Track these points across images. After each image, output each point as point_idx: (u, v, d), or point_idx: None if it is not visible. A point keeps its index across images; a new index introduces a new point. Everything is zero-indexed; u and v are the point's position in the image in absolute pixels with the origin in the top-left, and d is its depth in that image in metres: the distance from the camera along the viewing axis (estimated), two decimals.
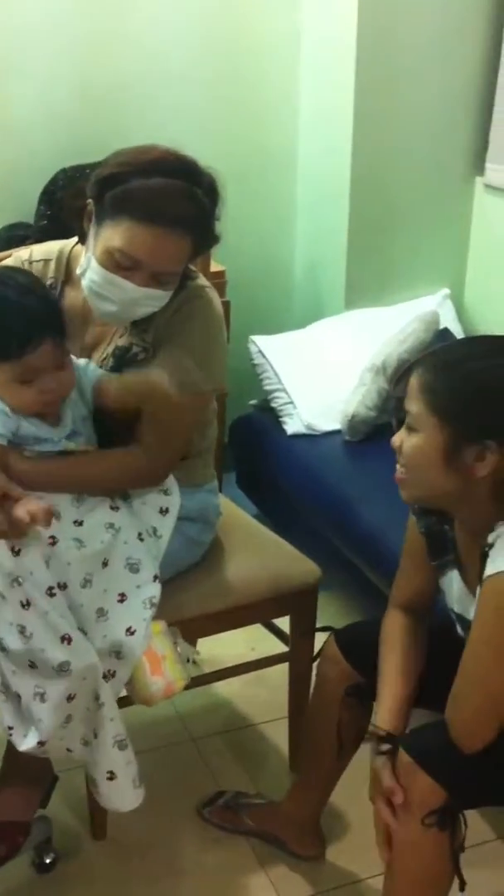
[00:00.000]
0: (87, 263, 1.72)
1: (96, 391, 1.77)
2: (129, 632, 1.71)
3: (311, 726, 1.88)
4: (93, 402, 1.77)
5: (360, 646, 1.75)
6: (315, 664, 1.90)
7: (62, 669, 1.62)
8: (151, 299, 1.71)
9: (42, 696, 1.63)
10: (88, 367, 1.78)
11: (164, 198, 1.64)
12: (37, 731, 1.65)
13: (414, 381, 1.51)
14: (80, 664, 1.63)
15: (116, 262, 1.66)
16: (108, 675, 1.69)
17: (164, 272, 1.69)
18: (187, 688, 1.78)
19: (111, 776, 1.71)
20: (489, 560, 1.45)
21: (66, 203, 2.68)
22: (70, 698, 1.64)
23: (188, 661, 1.80)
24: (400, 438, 1.53)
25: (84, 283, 1.73)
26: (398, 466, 1.54)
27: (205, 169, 1.71)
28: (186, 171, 1.68)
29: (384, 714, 1.63)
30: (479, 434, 1.45)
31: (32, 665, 1.62)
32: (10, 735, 1.68)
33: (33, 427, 1.70)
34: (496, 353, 1.49)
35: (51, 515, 1.62)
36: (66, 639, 1.62)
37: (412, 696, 1.66)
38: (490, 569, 1.44)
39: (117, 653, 1.70)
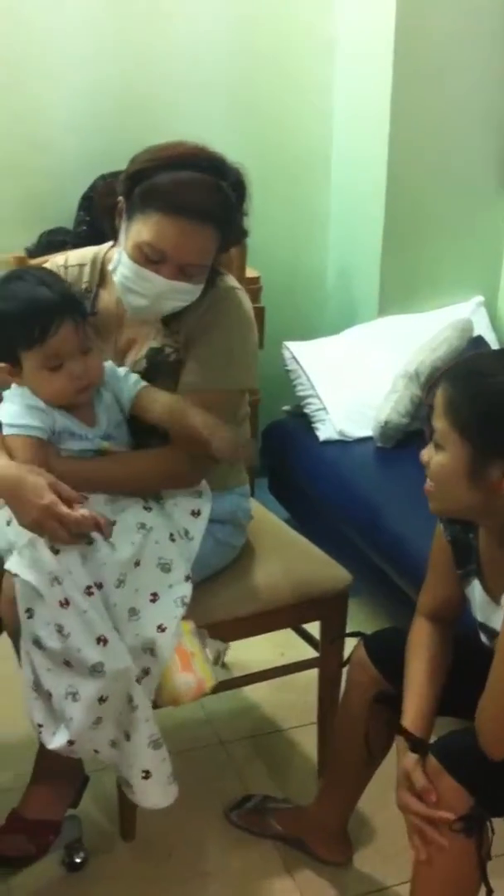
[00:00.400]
0: (119, 259, 1.75)
1: (136, 405, 1.79)
2: (161, 629, 1.72)
3: (340, 732, 1.88)
4: (129, 412, 1.80)
5: (389, 653, 1.75)
6: (344, 669, 1.91)
7: (96, 670, 1.63)
8: (180, 293, 1.73)
9: (74, 696, 1.65)
10: (129, 377, 1.80)
11: (190, 190, 1.67)
12: (67, 729, 1.66)
13: (439, 396, 1.51)
14: (114, 667, 1.64)
15: (146, 256, 1.70)
16: (142, 675, 1.71)
17: (191, 264, 1.71)
18: (215, 691, 1.80)
19: (146, 775, 1.73)
20: None
21: (99, 202, 2.73)
22: (102, 700, 1.66)
23: (219, 660, 1.81)
24: (428, 454, 1.53)
25: (116, 278, 1.76)
26: (427, 480, 1.55)
27: (231, 164, 1.74)
28: (213, 165, 1.71)
29: (409, 720, 1.63)
30: (503, 452, 1.45)
31: (68, 664, 1.65)
32: (40, 733, 1.70)
33: (69, 422, 1.73)
34: None
35: (111, 528, 1.66)
36: (101, 640, 1.64)
37: (437, 703, 1.65)
38: None
39: (151, 650, 1.71)
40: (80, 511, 1.63)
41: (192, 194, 1.67)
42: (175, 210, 1.66)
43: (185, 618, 1.76)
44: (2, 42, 2.78)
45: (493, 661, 1.48)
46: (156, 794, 1.76)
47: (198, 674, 1.74)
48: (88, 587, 1.65)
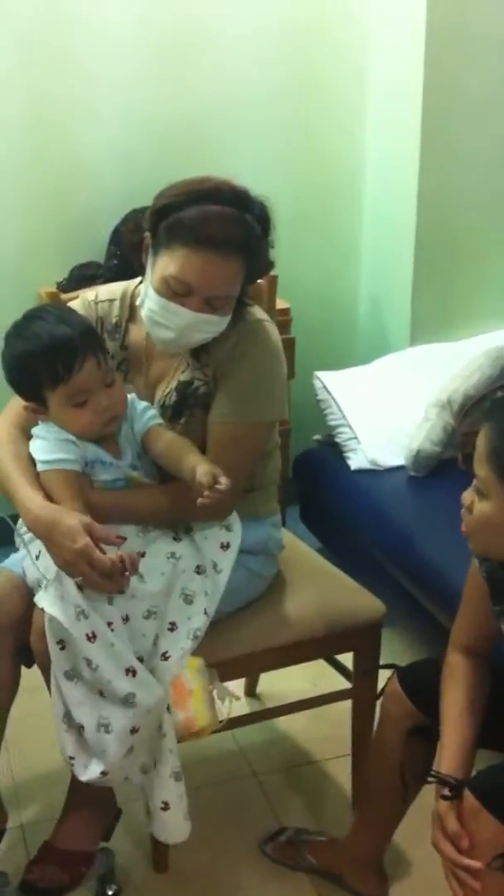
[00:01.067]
0: (145, 293, 1.77)
1: (144, 439, 1.81)
2: (164, 657, 1.73)
3: (374, 765, 1.86)
4: (140, 445, 1.82)
5: (424, 685, 1.72)
6: (378, 701, 1.89)
7: (128, 701, 1.64)
8: (207, 324, 1.74)
9: (107, 728, 1.65)
10: (147, 412, 1.82)
11: (214, 223, 1.69)
12: (100, 761, 1.66)
13: (482, 441, 1.46)
14: (147, 699, 1.65)
15: (172, 290, 1.71)
16: (170, 707, 1.71)
17: (217, 296, 1.73)
18: (244, 722, 1.79)
19: (165, 807, 1.73)
20: None
21: (125, 238, 2.77)
22: (134, 731, 1.66)
23: (225, 702, 1.78)
24: (470, 498, 1.49)
25: (143, 312, 1.78)
26: (464, 521, 1.51)
27: (255, 197, 1.76)
28: (237, 198, 1.73)
29: (448, 758, 1.60)
30: None
31: (101, 694, 1.65)
32: (72, 765, 1.70)
33: (99, 452, 1.75)
34: None
35: (137, 562, 1.67)
36: (130, 671, 1.64)
37: (476, 739, 1.63)
38: None
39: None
40: (111, 556, 1.63)
41: (216, 226, 1.69)
42: (200, 243, 1.68)
43: (200, 652, 1.76)
44: (39, 73, 2.82)
45: None
46: (171, 827, 1.76)
47: (189, 711, 1.71)
48: (110, 623, 1.66)
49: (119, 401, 1.76)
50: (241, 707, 1.84)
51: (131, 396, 1.83)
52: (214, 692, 1.77)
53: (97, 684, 1.64)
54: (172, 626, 1.75)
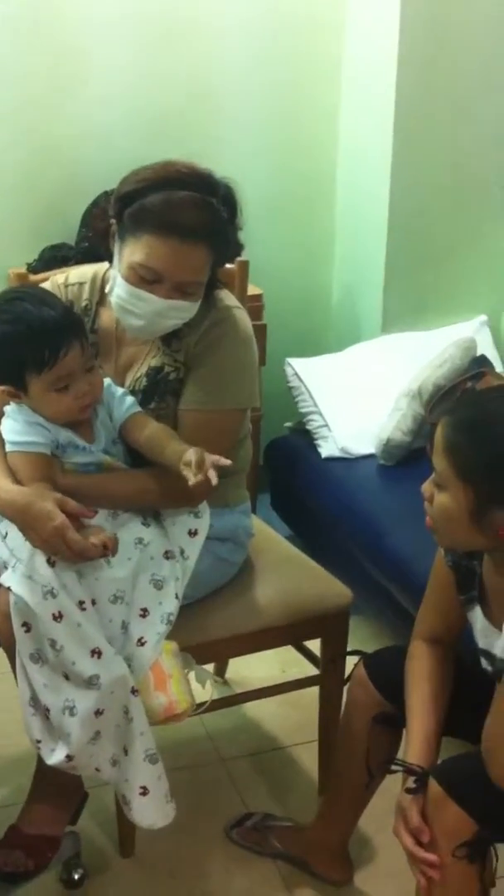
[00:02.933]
0: (114, 281, 1.76)
1: (124, 427, 1.80)
2: (140, 642, 1.72)
3: (340, 752, 1.87)
4: (119, 433, 1.81)
5: (389, 672, 1.73)
6: (345, 688, 1.90)
7: (92, 683, 1.63)
8: (177, 311, 1.74)
9: (71, 710, 1.64)
10: (125, 399, 1.81)
11: (179, 209, 1.68)
12: (65, 744, 1.66)
13: (439, 434, 1.47)
14: (109, 677, 1.64)
15: (140, 277, 1.71)
16: (136, 690, 1.71)
17: (186, 282, 1.72)
18: (210, 710, 1.79)
19: (144, 791, 1.72)
20: None
21: (93, 225, 2.75)
22: (98, 713, 1.66)
23: (206, 684, 1.79)
24: (430, 490, 1.50)
25: (112, 299, 1.77)
26: (427, 514, 1.52)
27: (220, 179, 1.75)
28: (202, 182, 1.71)
29: (414, 747, 1.61)
30: None
31: (66, 677, 1.65)
32: (39, 748, 1.70)
33: (71, 436, 1.74)
34: None
35: (117, 544, 1.67)
36: (96, 652, 1.64)
37: (441, 728, 1.64)
38: None
39: (128, 664, 1.71)
40: (92, 540, 1.64)
41: (182, 213, 1.67)
42: (166, 230, 1.67)
43: (170, 638, 1.75)
44: (16, 56, 2.80)
45: (496, 691, 1.47)
46: (154, 812, 1.75)
47: (171, 695, 1.72)
48: (82, 602, 1.65)
49: (98, 387, 1.75)
50: (210, 692, 1.84)
51: (108, 381, 1.81)
52: (192, 675, 1.78)
53: (61, 667, 1.64)
54: (144, 613, 1.75)
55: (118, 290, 1.75)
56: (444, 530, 1.51)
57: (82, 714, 1.64)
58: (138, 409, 1.81)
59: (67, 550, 1.63)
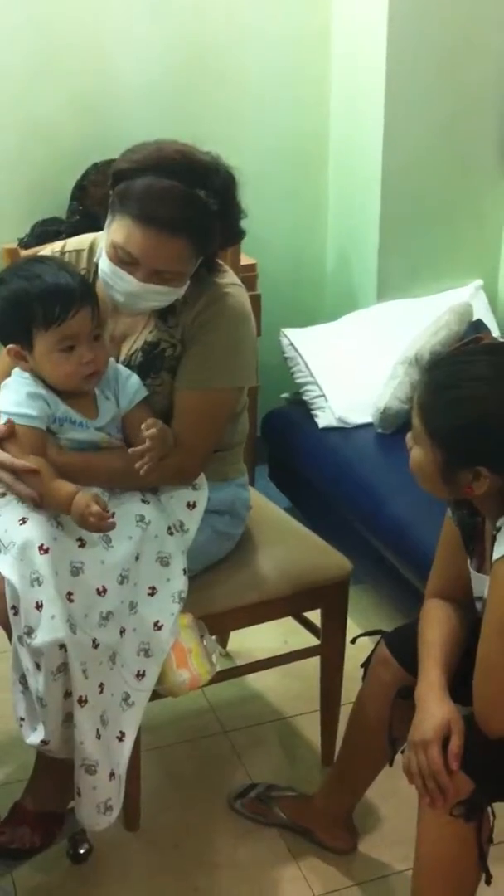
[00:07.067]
0: (100, 252, 1.76)
1: (128, 420, 1.79)
2: (157, 626, 1.72)
3: (359, 726, 1.85)
4: (122, 425, 1.80)
5: (412, 647, 1.71)
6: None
7: (59, 671, 1.63)
8: (155, 294, 1.73)
9: (41, 701, 1.65)
10: (131, 383, 1.80)
11: (159, 200, 1.65)
12: (44, 727, 1.67)
13: (417, 394, 1.53)
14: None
15: (119, 257, 1.70)
16: (140, 676, 1.72)
17: (164, 270, 1.70)
18: (212, 682, 1.81)
19: (78, 792, 1.74)
20: (496, 542, 1.47)
21: (90, 191, 2.72)
22: (67, 695, 1.66)
23: (213, 655, 1.81)
24: (410, 442, 1.56)
25: (99, 271, 1.76)
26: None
27: (219, 168, 1.71)
28: (193, 172, 1.67)
29: (425, 681, 1.60)
30: (470, 460, 1.47)
31: (38, 666, 1.65)
32: (21, 727, 1.71)
33: (70, 411, 1.73)
34: (492, 381, 1.47)
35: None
36: (63, 647, 1.62)
37: (453, 670, 1.63)
38: (497, 551, 1.46)
39: (146, 651, 1.71)
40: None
41: (161, 205, 1.65)
42: (143, 218, 1.65)
43: (183, 610, 1.76)
44: None
45: (479, 639, 1.48)
46: (85, 815, 1.76)
47: (193, 669, 1.75)
48: (70, 594, 1.64)
49: (103, 358, 1.75)
50: (215, 665, 1.84)
51: (116, 364, 1.81)
52: (205, 644, 1.80)
53: (34, 655, 1.64)
54: (152, 591, 1.75)
55: (102, 263, 1.74)
56: (420, 480, 1.57)
57: (53, 701, 1.65)
58: (143, 393, 1.80)
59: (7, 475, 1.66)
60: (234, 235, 1.80)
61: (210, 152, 1.72)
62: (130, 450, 1.67)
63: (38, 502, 1.67)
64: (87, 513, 1.63)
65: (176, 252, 1.69)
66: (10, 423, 1.69)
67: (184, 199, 1.66)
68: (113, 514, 1.67)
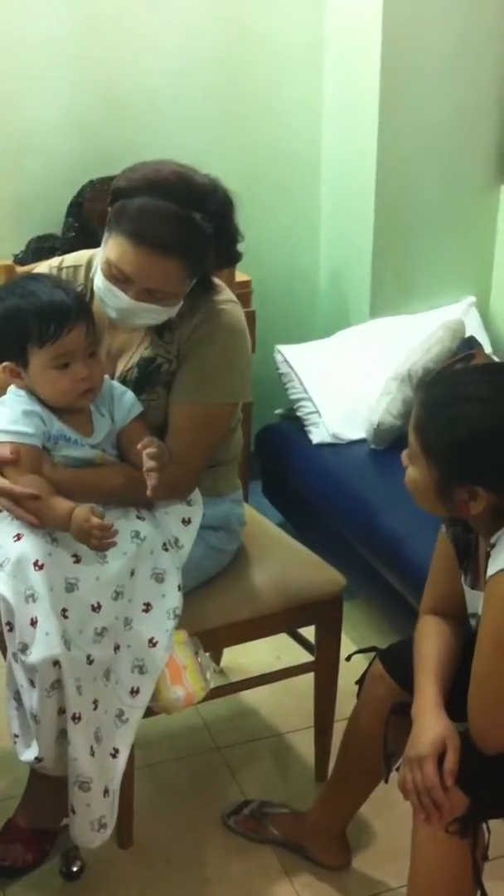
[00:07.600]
0: (96, 268, 1.77)
1: (123, 436, 1.79)
2: (152, 643, 1.72)
3: (353, 743, 1.86)
4: (117, 441, 1.80)
5: (406, 664, 1.72)
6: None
7: (53, 688, 1.63)
8: (148, 312, 1.74)
9: (35, 717, 1.65)
10: (125, 400, 1.81)
11: (152, 220, 1.66)
12: (38, 744, 1.66)
13: (413, 413, 1.54)
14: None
15: (113, 274, 1.71)
16: (134, 692, 1.71)
17: (155, 289, 1.71)
18: (206, 698, 1.80)
19: (72, 810, 1.73)
20: (491, 559, 1.48)
21: (86, 208, 2.74)
22: (61, 712, 1.65)
23: (207, 672, 1.81)
24: (406, 460, 1.57)
25: (94, 286, 1.78)
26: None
27: (216, 191, 1.72)
28: (190, 193, 1.68)
29: (421, 698, 1.60)
30: (465, 479, 1.48)
31: (32, 683, 1.64)
32: (15, 743, 1.70)
33: (65, 429, 1.73)
34: (487, 399, 1.48)
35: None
36: (56, 663, 1.62)
37: (449, 686, 1.63)
38: (492, 568, 1.46)
39: (140, 667, 1.71)
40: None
41: (152, 226, 1.66)
42: (136, 237, 1.66)
43: (177, 627, 1.76)
44: None
45: (474, 655, 1.49)
46: (79, 833, 1.76)
47: (188, 686, 1.74)
48: (65, 610, 1.64)
49: (97, 374, 1.75)
50: (209, 681, 1.84)
51: (111, 381, 1.81)
52: (200, 660, 1.80)
53: (28, 672, 1.63)
54: (147, 607, 1.75)
55: (97, 279, 1.76)
56: (416, 498, 1.58)
57: (47, 717, 1.64)
58: (138, 409, 1.80)
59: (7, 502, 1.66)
60: (230, 258, 1.81)
61: (209, 174, 1.74)
62: (145, 470, 1.64)
63: (39, 525, 1.66)
64: (87, 527, 1.63)
65: (167, 272, 1.70)
66: (15, 448, 1.68)
67: (177, 220, 1.67)
68: (113, 526, 1.67)
